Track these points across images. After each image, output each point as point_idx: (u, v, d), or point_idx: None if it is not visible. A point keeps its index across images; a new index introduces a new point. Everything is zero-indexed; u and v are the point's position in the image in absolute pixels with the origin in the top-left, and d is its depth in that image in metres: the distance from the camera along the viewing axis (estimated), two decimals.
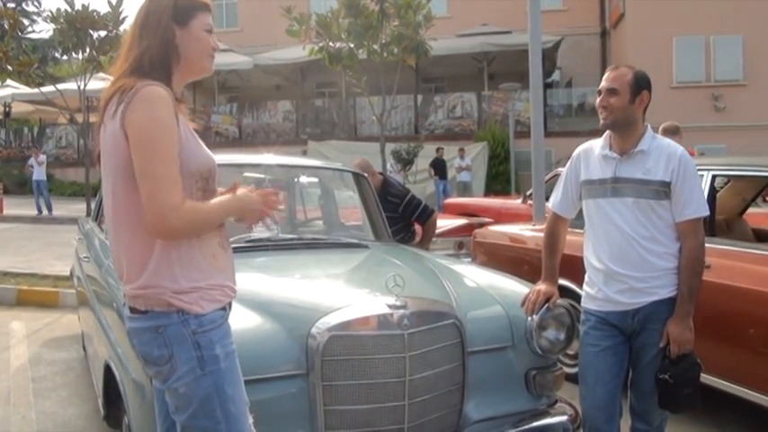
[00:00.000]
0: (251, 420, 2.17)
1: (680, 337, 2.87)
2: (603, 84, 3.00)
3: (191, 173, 2.05)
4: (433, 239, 5.75)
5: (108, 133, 2.03)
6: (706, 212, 2.96)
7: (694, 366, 2.91)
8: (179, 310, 2.03)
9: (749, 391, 3.93)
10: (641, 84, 2.98)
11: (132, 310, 2.08)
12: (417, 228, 5.66)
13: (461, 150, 20.45)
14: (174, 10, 2.11)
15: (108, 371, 3.17)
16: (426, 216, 5.48)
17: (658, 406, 2.95)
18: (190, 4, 2.14)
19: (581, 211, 3.20)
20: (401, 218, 5.38)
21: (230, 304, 2.19)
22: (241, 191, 2.19)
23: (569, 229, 3.34)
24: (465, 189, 19.74)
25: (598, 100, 3.02)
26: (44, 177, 19.08)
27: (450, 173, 20.46)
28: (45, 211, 18.42)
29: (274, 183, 2.24)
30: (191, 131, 2.13)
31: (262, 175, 4.05)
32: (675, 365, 2.87)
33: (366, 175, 4.91)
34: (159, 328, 2.03)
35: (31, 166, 19.14)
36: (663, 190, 2.91)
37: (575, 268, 3.45)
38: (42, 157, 19.67)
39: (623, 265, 2.95)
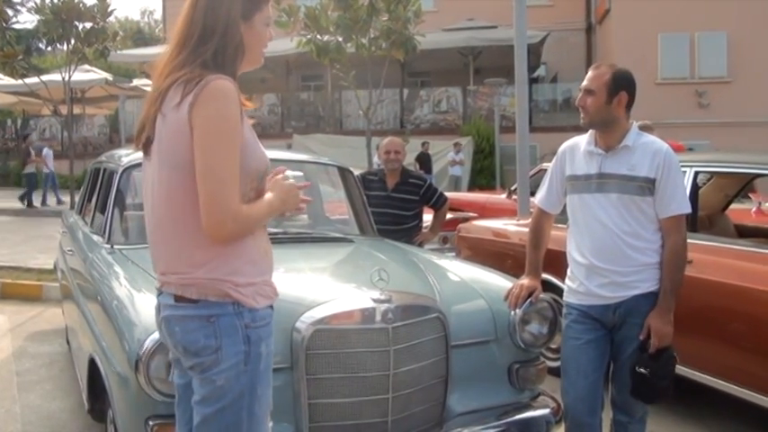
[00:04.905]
0: (270, 424, 2.14)
1: (661, 330, 2.90)
2: (583, 83, 3.04)
3: (249, 172, 2.00)
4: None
5: (169, 124, 1.96)
6: (688, 210, 2.99)
7: (671, 360, 2.95)
8: (234, 302, 2.00)
9: (729, 385, 3.97)
10: (620, 84, 2.97)
11: (179, 298, 2.02)
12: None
13: (457, 144, 20.44)
14: (242, 3, 2.03)
15: (92, 364, 3.16)
16: (442, 202, 5.65)
17: (631, 396, 2.97)
18: None
19: (565, 207, 3.23)
20: (420, 201, 5.55)
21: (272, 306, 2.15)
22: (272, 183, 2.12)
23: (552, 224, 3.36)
24: (456, 183, 19.74)
25: (577, 99, 3.07)
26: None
27: (438, 165, 20.46)
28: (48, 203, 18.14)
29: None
30: (251, 130, 2.07)
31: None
32: (654, 359, 2.90)
33: (389, 164, 5.42)
34: (211, 318, 1.98)
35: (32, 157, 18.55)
36: (647, 186, 2.93)
37: (557, 263, 3.48)
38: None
39: (605, 259, 2.98)
